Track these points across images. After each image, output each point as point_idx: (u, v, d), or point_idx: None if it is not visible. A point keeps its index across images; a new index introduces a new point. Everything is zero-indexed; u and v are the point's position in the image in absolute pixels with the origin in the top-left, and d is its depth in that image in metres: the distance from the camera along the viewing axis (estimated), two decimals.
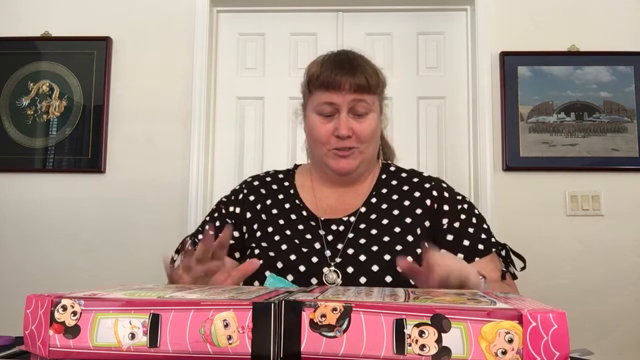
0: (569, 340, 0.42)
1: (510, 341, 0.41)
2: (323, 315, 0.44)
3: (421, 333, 0.43)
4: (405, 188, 1.09)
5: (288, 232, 1.04)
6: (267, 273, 0.99)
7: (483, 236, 1.04)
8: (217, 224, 1.09)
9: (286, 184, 1.13)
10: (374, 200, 1.07)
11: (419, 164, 2.28)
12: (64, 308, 0.47)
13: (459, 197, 1.09)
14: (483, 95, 2.21)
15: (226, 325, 0.45)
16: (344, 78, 0.99)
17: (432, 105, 2.33)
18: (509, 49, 2.22)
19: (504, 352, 0.41)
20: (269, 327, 0.44)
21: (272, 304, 0.45)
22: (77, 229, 2.23)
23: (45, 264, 2.22)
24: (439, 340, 0.42)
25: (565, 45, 2.22)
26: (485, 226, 1.06)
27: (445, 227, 1.04)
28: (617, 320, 2.11)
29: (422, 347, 0.43)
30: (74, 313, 0.47)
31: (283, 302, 0.45)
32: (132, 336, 0.46)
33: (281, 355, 0.44)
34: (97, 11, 2.32)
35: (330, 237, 1.02)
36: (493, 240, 1.05)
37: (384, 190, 1.09)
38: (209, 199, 2.26)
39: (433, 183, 1.09)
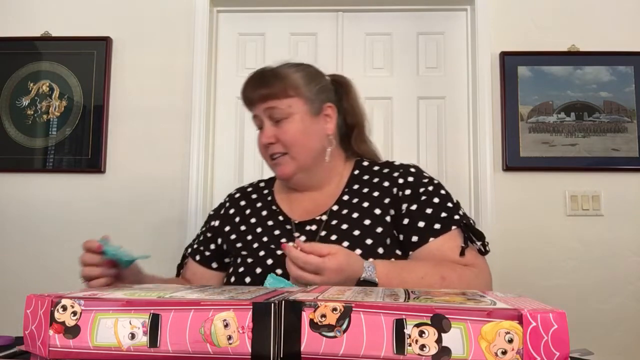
0: (569, 340, 0.42)
1: (510, 341, 0.41)
2: (323, 315, 0.44)
3: (421, 333, 0.43)
4: (376, 180, 1.09)
5: (265, 239, 1.08)
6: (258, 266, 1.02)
7: (443, 215, 1.01)
8: (202, 238, 1.21)
9: (265, 191, 1.19)
10: (346, 197, 1.09)
11: (418, 164, 2.27)
12: (64, 308, 0.47)
13: (425, 180, 1.08)
14: (483, 95, 2.21)
15: (226, 325, 0.45)
16: (251, 92, 1.08)
17: (432, 105, 2.33)
18: (509, 49, 2.22)
19: (504, 352, 0.41)
20: (269, 327, 0.44)
21: (272, 304, 0.45)
22: (77, 229, 2.23)
23: (45, 264, 2.22)
24: (439, 340, 0.42)
25: (565, 45, 2.22)
26: (449, 205, 1.04)
27: (403, 211, 1.03)
28: (617, 320, 2.11)
29: (422, 347, 0.43)
30: (74, 313, 0.47)
31: (283, 302, 0.45)
32: (132, 336, 0.46)
33: (281, 355, 0.44)
34: (97, 11, 2.32)
35: (303, 238, 1.04)
36: (456, 217, 1.02)
37: (356, 186, 1.10)
38: (209, 199, 2.25)
39: (402, 170, 1.10)
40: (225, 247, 1.15)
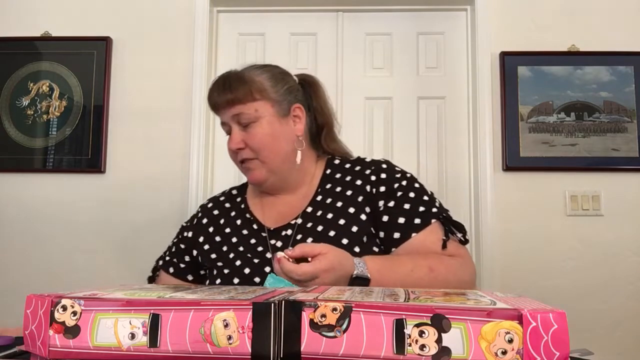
0: (569, 340, 0.42)
1: (510, 341, 0.41)
2: (323, 315, 0.44)
3: (421, 333, 0.43)
4: (348, 178, 1.09)
5: (241, 248, 1.07)
6: (267, 269, 1.01)
7: (421, 209, 1.02)
8: (174, 250, 1.18)
9: (238, 199, 1.17)
10: (319, 197, 1.08)
11: (419, 164, 2.28)
12: (64, 308, 0.47)
13: (398, 175, 1.08)
14: (483, 95, 2.21)
15: (226, 325, 0.45)
16: (217, 98, 1.06)
17: (432, 105, 2.33)
18: (509, 49, 2.22)
19: (504, 352, 0.41)
20: (269, 327, 0.44)
21: (272, 304, 0.45)
22: (77, 229, 2.23)
23: (45, 264, 2.22)
24: (439, 340, 0.42)
25: (565, 45, 2.22)
26: (425, 198, 1.05)
27: (381, 209, 1.04)
28: (617, 320, 2.11)
29: (422, 347, 0.43)
30: (74, 313, 0.47)
31: (283, 302, 0.45)
32: (132, 336, 0.46)
33: (281, 355, 0.44)
34: (97, 11, 2.32)
35: (279, 244, 1.04)
36: (434, 210, 1.03)
37: (329, 186, 1.09)
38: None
39: (373, 167, 1.09)
40: (200, 258, 1.14)
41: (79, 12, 2.32)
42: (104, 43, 2.28)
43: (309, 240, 1.01)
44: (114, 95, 2.27)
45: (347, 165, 1.12)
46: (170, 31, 2.29)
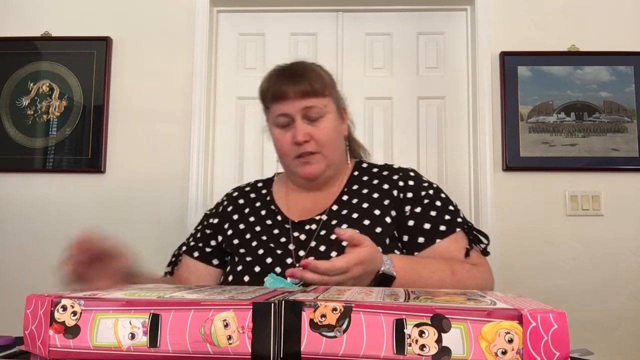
0: (569, 340, 0.42)
1: (510, 341, 0.41)
2: (323, 315, 0.44)
3: (421, 333, 0.43)
4: (376, 182, 1.11)
5: (264, 238, 1.08)
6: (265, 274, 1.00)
7: (447, 217, 1.04)
8: (199, 235, 1.18)
9: (264, 191, 1.19)
10: (345, 197, 1.10)
11: (419, 164, 2.28)
12: (64, 308, 0.47)
13: (425, 184, 1.10)
14: (483, 95, 2.21)
15: (226, 325, 0.45)
16: (289, 87, 1.04)
17: (432, 105, 2.33)
18: (509, 49, 2.22)
19: (504, 352, 0.41)
20: (269, 327, 0.45)
21: (272, 304, 0.45)
22: (77, 229, 2.22)
23: (45, 264, 2.21)
24: (439, 340, 0.42)
25: (565, 45, 2.22)
26: (450, 208, 1.07)
27: (407, 213, 1.05)
28: (617, 320, 2.11)
29: (422, 347, 0.43)
30: (74, 313, 0.47)
31: (283, 302, 0.45)
32: (132, 336, 0.46)
33: (281, 355, 0.44)
34: (97, 11, 2.32)
35: (303, 237, 1.05)
36: (459, 220, 1.05)
37: (355, 187, 1.11)
38: (209, 199, 2.25)
39: (401, 174, 1.11)
40: (224, 244, 1.15)
41: (79, 12, 2.32)
42: (104, 43, 2.28)
43: (333, 236, 1.02)
44: (114, 95, 2.27)
45: (375, 170, 1.14)
46: (170, 31, 2.29)
